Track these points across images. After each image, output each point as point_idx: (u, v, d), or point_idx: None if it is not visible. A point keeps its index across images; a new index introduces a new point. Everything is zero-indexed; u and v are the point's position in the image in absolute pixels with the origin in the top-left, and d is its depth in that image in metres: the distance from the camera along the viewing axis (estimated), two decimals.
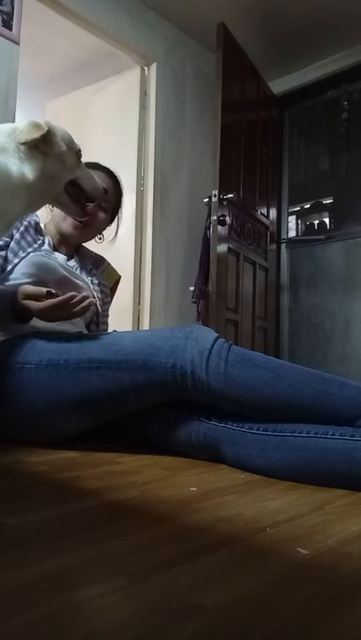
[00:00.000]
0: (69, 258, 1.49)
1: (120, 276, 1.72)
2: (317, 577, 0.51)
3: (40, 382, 1.11)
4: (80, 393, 1.09)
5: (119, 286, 1.74)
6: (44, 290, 1.17)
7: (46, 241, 1.40)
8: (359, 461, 0.89)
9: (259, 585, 0.48)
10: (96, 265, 1.59)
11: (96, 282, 1.52)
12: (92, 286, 1.49)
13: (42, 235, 1.39)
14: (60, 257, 1.44)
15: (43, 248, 1.35)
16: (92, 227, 1.47)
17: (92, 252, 1.62)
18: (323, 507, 0.78)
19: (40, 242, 1.36)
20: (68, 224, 1.44)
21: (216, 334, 1.09)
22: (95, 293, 1.48)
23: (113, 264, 1.69)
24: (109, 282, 1.63)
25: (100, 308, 1.50)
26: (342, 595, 0.47)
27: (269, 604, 0.44)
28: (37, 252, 1.32)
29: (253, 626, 0.41)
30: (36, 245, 1.34)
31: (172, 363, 1.04)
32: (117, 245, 1.63)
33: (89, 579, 0.48)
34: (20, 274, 1.28)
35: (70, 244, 1.51)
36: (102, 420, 1.16)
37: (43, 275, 1.29)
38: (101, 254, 1.65)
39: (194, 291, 2.84)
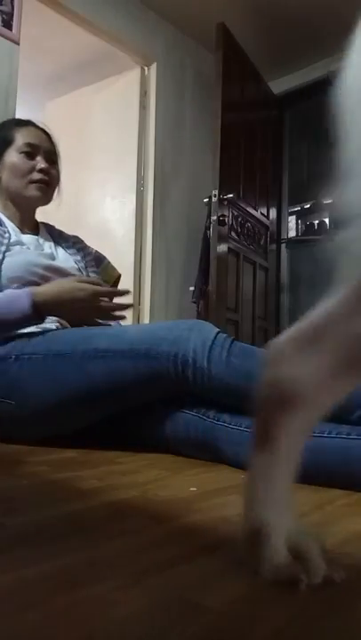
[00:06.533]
0: (35, 234, 1.48)
1: (120, 274, 1.72)
2: None
3: (47, 372, 1.13)
4: (84, 384, 1.10)
5: (119, 285, 1.74)
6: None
7: (9, 227, 1.39)
8: (354, 460, 0.89)
9: (259, 585, 0.48)
10: (97, 263, 1.59)
11: (78, 257, 1.53)
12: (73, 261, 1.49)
13: (2, 225, 1.38)
14: (29, 238, 1.43)
15: (12, 240, 1.35)
16: (52, 184, 1.48)
17: (91, 248, 1.63)
18: (322, 507, 0.77)
19: (4, 231, 1.35)
20: (32, 188, 1.43)
21: (218, 329, 1.11)
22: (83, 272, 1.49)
23: (113, 263, 1.69)
24: (109, 280, 1.63)
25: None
26: (342, 595, 0.47)
27: (269, 604, 0.44)
28: (8, 252, 1.32)
29: (253, 626, 0.40)
30: (4, 240, 1.33)
31: (174, 352, 1.05)
32: (117, 245, 1.63)
33: (89, 579, 0.48)
34: (5, 280, 1.27)
35: (31, 220, 1.50)
36: (102, 413, 1.17)
37: (27, 275, 1.28)
38: (102, 253, 1.65)
39: (194, 291, 2.84)
